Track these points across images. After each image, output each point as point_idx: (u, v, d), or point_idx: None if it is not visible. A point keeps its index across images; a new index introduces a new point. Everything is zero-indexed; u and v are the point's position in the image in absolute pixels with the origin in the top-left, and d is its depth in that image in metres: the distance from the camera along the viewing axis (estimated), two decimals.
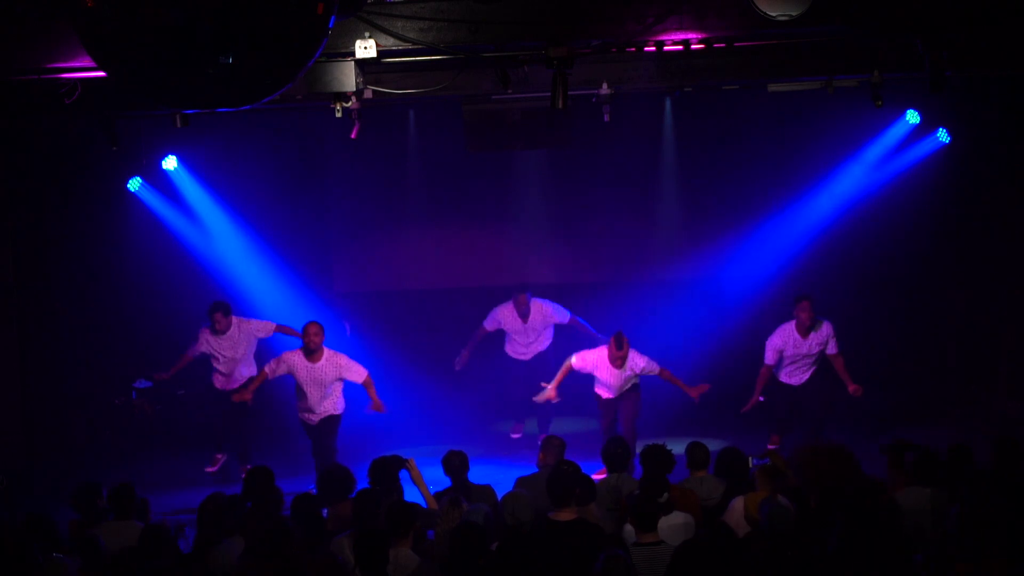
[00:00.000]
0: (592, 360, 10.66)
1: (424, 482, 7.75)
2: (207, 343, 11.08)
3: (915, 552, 6.13)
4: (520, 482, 7.80)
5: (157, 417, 12.69)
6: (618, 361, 10.53)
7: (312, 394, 10.35)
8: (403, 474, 7.77)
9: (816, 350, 10.88)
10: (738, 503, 7.10)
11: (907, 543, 6.26)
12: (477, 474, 8.07)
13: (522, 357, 11.96)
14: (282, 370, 10.42)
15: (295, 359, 10.36)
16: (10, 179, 11.08)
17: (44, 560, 6.28)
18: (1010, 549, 5.86)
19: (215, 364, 11.13)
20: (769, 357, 10.90)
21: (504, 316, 11.83)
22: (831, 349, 10.88)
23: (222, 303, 11.14)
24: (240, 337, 11.06)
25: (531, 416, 11.92)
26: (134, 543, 6.69)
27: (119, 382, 12.69)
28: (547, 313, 11.83)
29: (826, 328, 10.85)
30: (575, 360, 10.69)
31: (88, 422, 12.24)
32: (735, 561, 5.80)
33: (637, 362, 10.58)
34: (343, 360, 10.40)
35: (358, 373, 10.43)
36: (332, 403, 10.47)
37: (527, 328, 11.84)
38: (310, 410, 10.43)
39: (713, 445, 8.27)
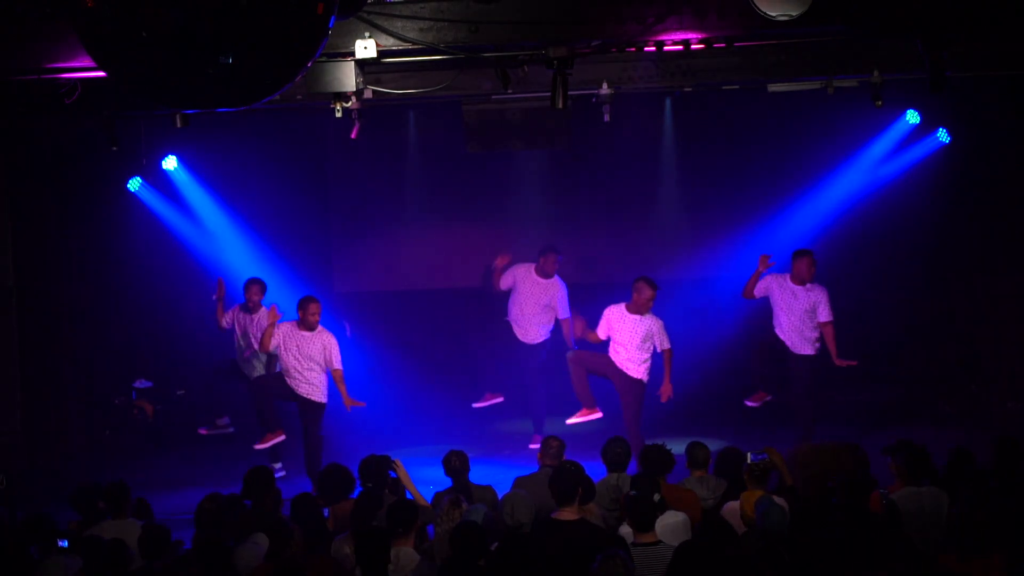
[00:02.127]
0: (607, 317, 10.61)
1: (412, 482, 7.76)
2: (235, 322, 11.15)
3: (913, 551, 6.13)
4: (519, 482, 7.80)
5: (157, 417, 12.69)
6: (641, 306, 10.45)
7: (296, 365, 10.37)
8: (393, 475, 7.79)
9: (805, 305, 10.68)
10: (734, 502, 7.11)
11: (904, 543, 6.26)
12: (477, 474, 8.07)
13: (518, 332, 11.63)
14: (276, 341, 10.44)
15: (287, 329, 10.42)
16: (10, 179, 11.07)
17: (44, 560, 6.29)
18: (1010, 548, 5.86)
19: (241, 347, 11.15)
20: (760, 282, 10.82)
21: (520, 272, 11.59)
22: (822, 316, 10.68)
23: (259, 279, 11.24)
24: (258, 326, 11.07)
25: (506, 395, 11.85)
26: (134, 542, 6.69)
27: (119, 382, 12.69)
28: (560, 292, 11.57)
29: (819, 291, 10.70)
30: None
31: (88, 422, 12.24)
32: (735, 560, 5.80)
33: (653, 324, 10.53)
34: (331, 339, 10.41)
35: (337, 360, 10.42)
36: (317, 388, 10.44)
37: (535, 296, 11.52)
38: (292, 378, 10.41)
39: (713, 445, 8.27)
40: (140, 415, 12.63)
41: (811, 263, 10.73)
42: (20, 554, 6.28)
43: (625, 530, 6.69)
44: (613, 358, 10.68)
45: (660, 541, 6.32)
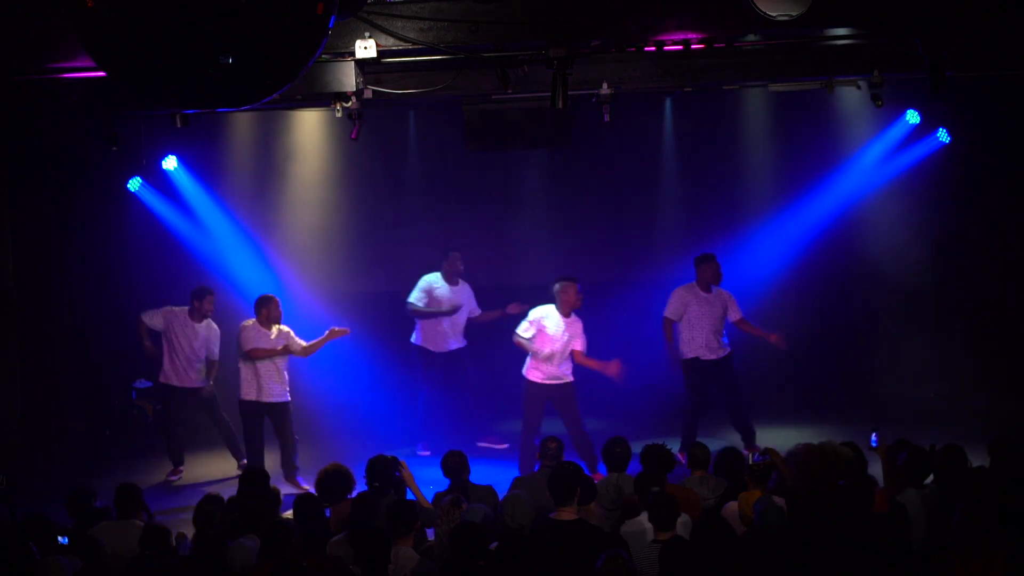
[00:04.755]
0: (539, 313, 10.33)
1: (416, 484, 7.76)
2: (172, 324, 11.15)
3: (912, 552, 6.13)
4: (517, 483, 7.81)
5: (157, 417, 12.67)
6: (572, 305, 10.26)
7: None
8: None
9: (719, 310, 10.73)
10: (734, 503, 7.12)
11: (905, 544, 6.26)
12: (477, 474, 8.07)
13: (439, 348, 11.63)
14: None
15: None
16: (10, 179, 11.06)
17: (43, 560, 6.28)
18: (1010, 548, 5.86)
19: (173, 354, 11.17)
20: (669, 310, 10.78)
21: (432, 283, 11.59)
22: (735, 315, 10.80)
23: (209, 288, 11.35)
24: (208, 335, 11.20)
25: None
26: (135, 543, 6.69)
27: (119, 382, 12.68)
28: (470, 294, 11.71)
29: (726, 293, 10.83)
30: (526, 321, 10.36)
31: (88, 422, 12.22)
32: (728, 559, 5.80)
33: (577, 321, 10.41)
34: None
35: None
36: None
37: (453, 300, 11.58)
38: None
39: (713, 445, 8.28)
40: (140, 415, 12.62)
41: (717, 267, 10.75)
42: (20, 553, 6.26)
43: (627, 529, 6.70)
44: (558, 372, 10.36)
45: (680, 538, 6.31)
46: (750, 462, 7.30)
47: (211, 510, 7.25)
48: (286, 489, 8.23)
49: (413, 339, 11.74)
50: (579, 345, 10.25)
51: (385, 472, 7.62)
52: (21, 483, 9.78)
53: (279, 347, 10.50)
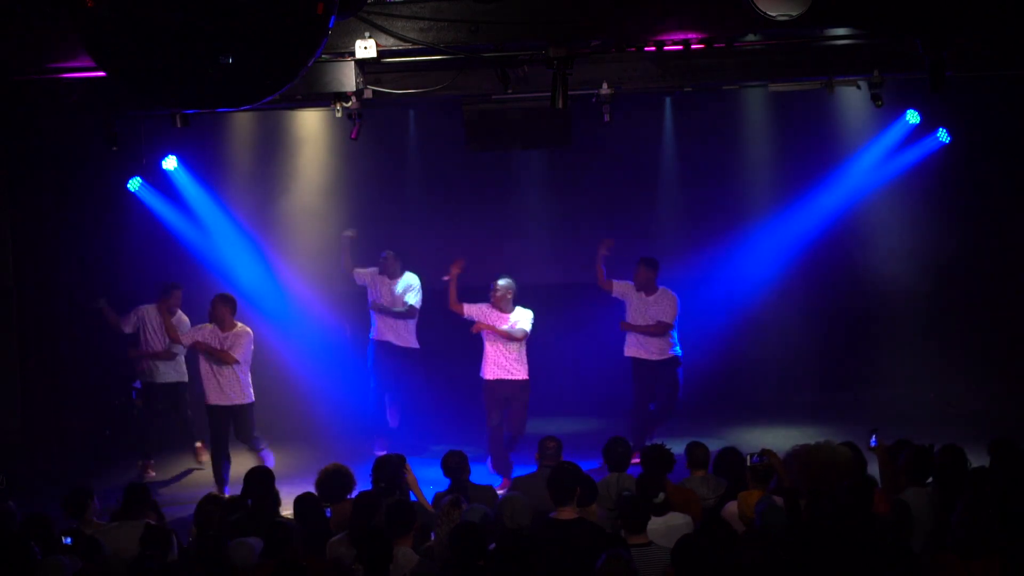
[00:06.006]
0: (477, 308, 10.58)
1: (418, 486, 7.76)
2: (145, 322, 11.31)
3: (912, 552, 6.13)
4: (516, 483, 7.80)
5: (141, 410, 12.66)
6: (503, 301, 10.44)
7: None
8: None
9: (655, 312, 10.89)
10: (734, 503, 7.11)
11: (905, 544, 6.26)
12: (477, 474, 8.07)
13: (393, 337, 11.67)
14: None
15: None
16: (10, 179, 11.07)
17: (44, 560, 6.28)
18: (1009, 549, 5.86)
19: (152, 349, 11.35)
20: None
21: (369, 277, 11.71)
22: (662, 316, 10.91)
23: (177, 283, 11.43)
24: (178, 327, 11.17)
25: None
26: (135, 543, 6.69)
27: (119, 382, 12.68)
28: (411, 286, 11.74)
29: (668, 296, 10.98)
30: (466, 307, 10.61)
31: (88, 422, 12.23)
32: (733, 558, 5.80)
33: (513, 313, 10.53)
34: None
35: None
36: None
37: (393, 294, 11.64)
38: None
39: (713, 445, 8.27)
40: (140, 415, 12.61)
41: (648, 274, 10.89)
42: (21, 553, 6.26)
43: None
44: (507, 367, 10.51)
45: (651, 543, 6.32)
46: (748, 463, 7.30)
47: (211, 510, 7.25)
48: (287, 489, 8.24)
49: (372, 335, 11.74)
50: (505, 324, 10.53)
51: (391, 472, 7.63)
52: (21, 483, 9.78)
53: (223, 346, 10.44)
